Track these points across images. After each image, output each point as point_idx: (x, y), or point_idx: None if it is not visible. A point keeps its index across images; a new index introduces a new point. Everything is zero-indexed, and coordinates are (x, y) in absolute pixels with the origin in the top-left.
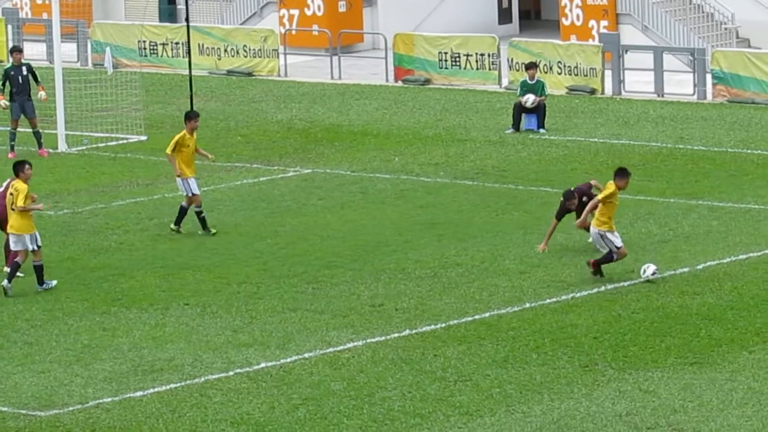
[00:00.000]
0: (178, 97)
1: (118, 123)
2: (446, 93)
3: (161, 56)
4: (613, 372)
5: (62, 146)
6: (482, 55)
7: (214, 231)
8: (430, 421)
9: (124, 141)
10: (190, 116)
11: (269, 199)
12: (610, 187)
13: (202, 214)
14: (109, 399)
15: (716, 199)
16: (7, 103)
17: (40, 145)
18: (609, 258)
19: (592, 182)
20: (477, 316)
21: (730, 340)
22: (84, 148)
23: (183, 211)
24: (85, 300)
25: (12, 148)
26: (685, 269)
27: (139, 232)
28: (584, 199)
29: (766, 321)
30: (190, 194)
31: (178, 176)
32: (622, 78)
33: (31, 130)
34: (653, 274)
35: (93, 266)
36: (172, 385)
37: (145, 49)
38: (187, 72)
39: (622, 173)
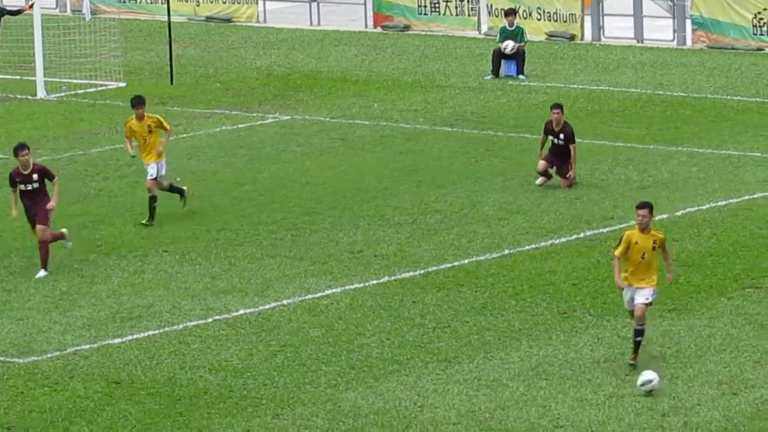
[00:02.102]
0: (157, 44)
1: (96, 70)
2: (425, 39)
3: (140, 2)
4: (592, 319)
5: (41, 93)
6: (461, 1)
7: (152, 223)
8: (408, 368)
9: (103, 88)
10: (132, 104)
11: (248, 145)
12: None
13: (154, 203)
14: (88, 346)
15: (696, 146)
16: None
17: None
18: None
19: None
20: (456, 263)
21: (708, 287)
22: (63, 94)
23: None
24: (62, 246)
25: None
26: (664, 216)
27: (118, 179)
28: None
29: (744, 267)
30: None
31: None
32: (601, 24)
33: None
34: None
35: (72, 213)
36: (151, 332)
37: None
38: (165, 18)
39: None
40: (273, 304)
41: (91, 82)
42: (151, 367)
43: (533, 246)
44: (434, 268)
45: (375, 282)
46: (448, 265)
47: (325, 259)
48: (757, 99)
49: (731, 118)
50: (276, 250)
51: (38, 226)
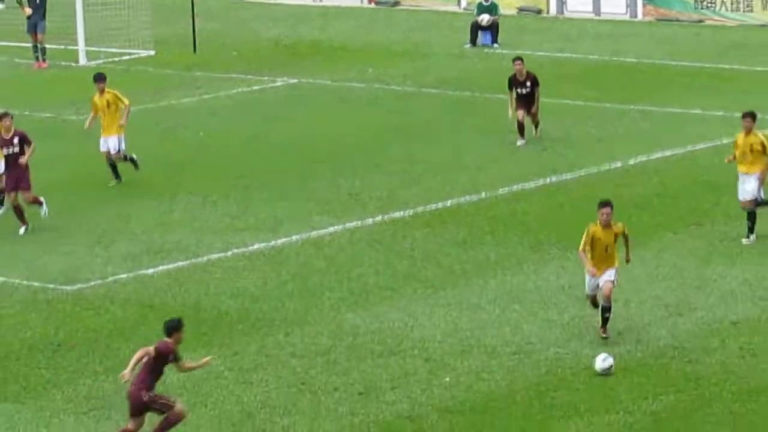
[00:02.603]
0: (182, 18)
1: (130, 40)
2: (413, 13)
3: None
4: (557, 251)
5: (83, 60)
6: None
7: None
8: (399, 294)
9: (136, 55)
10: (93, 79)
11: (261, 105)
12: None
13: (120, 163)
14: (125, 275)
15: (646, 105)
16: (30, 11)
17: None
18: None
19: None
20: (440, 204)
21: (657, 224)
22: (101, 61)
23: (113, 167)
24: (103, 191)
25: (36, 58)
26: (619, 164)
27: (149, 133)
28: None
29: (688, 208)
30: (105, 150)
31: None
32: (564, 0)
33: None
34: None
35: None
36: (179, 264)
37: None
38: None
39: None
40: (283, 240)
41: (125, 50)
42: (179, 294)
43: (507, 190)
44: (421, 209)
45: (371, 221)
46: (433, 206)
47: (328, 201)
48: (698, 64)
49: (676, 80)
50: (286, 194)
51: (22, 194)
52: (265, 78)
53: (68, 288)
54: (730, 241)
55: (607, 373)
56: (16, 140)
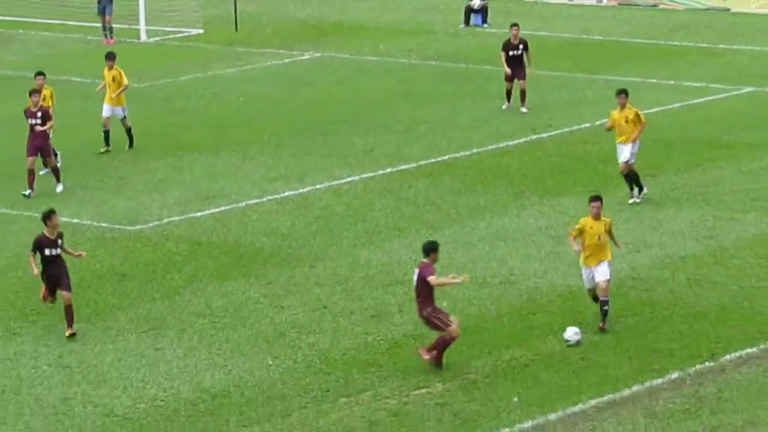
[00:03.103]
0: (226, 1)
1: (182, 20)
2: None
3: None
4: (536, 198)
5: (143, 37)
6: None
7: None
8: (405, 233)
9: (187, 33)
10: (105, 56)
11: (291, 75)
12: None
13: (106, 132)
14: (178, 218)
15: (610, 74)
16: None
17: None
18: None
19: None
20: (439, 158)
21: (619, 176)
22: (159, 38)
23: (106, 132)
24: (159, 147)
25: (105, 36)
26: (587, 125)
27: (198, 98)
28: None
29: (645, 161)
30: (107, 115)
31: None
32: None
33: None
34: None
35: (166, 123)
36: (222, 208)
37: None
38: None
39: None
40: (309, 188)
41: (178, 29)
42: (222, 233)
43: (494, 146)
44: (423, 162)
45: (381, 172)
46: (434, 160)
47: (346, 155)
48: (653, 41)
49: (634, 55)
50: (311, 149)
51: (44, 159)
52: (295, 52)
53: (130, 228)
54: (679, 190)
55: (573, 344)
56: (39, 114)
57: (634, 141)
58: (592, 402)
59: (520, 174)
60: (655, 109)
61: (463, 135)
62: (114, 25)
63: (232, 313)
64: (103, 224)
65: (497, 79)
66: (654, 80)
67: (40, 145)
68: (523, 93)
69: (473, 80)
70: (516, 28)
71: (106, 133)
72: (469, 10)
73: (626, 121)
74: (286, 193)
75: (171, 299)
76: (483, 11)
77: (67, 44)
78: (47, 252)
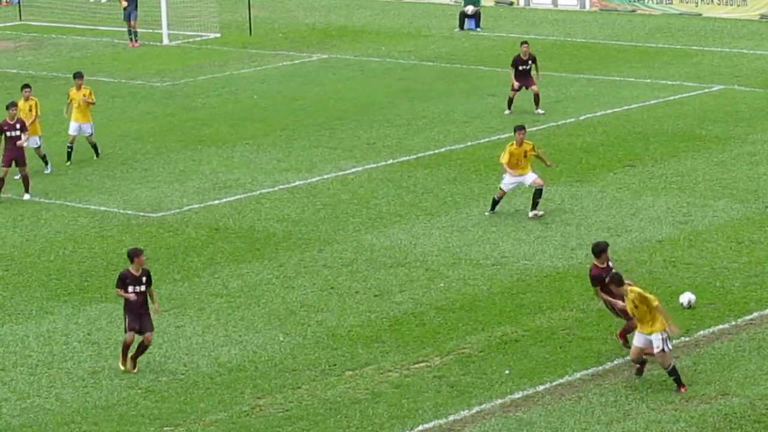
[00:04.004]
0: (241, 8)
1: (201, 25)
2: (415, 5)
3: None
4: (525, 187)
5: (165, 41)
6: None
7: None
8: (406, 219)
9: (206, 37)
10: (74, 76)
11: (300, 74)
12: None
13: (71, 149)
14: (197, 205)
15: (592, 74)
16: (126, 3)
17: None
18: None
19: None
20: (436, 150)
21: (601, 165)
22: (180, 42)
23: (70, 150)
24: (180, 140)
25: (130, 40)
26: (572, 119)
27: (215, 96)
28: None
29: (625, 153)
30: (74, 134)
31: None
32: None
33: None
34: (688, 302)
35: (186, 119)
36: (238, 196)
37: None
38: None
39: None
40: (317, 178)
41: (198, 33)
42: (238, 219)
43: (487, 139)
44: (422, 154)
45: (383, 163)
46: (431, 151)
47: (351, 148)
48: (632, 43)
49: (615, 56)
50: (319, 142)
51: (19, 168)
52: (304, 54)
53: (153, 215)
54: (656, 179)
55: (688, 306)
56: (18, 126)
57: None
58: (578, 374)
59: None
60: (633, 105)
61: (458, 129)
62: (138, 30)
63: (246, 293)
64: (129, 212)
65: (489, 78)
66: (632, 79)
67: (16, 156)
68: (536, 97)
69: (467, 79)
70: (526, 45)
71: (69, 150)
72: (464, 16)
73: (525, 156)
74: (297, 183)
75: (191, 281)
76: (476, 16)
77: (96, 47)
78: (131, 289)
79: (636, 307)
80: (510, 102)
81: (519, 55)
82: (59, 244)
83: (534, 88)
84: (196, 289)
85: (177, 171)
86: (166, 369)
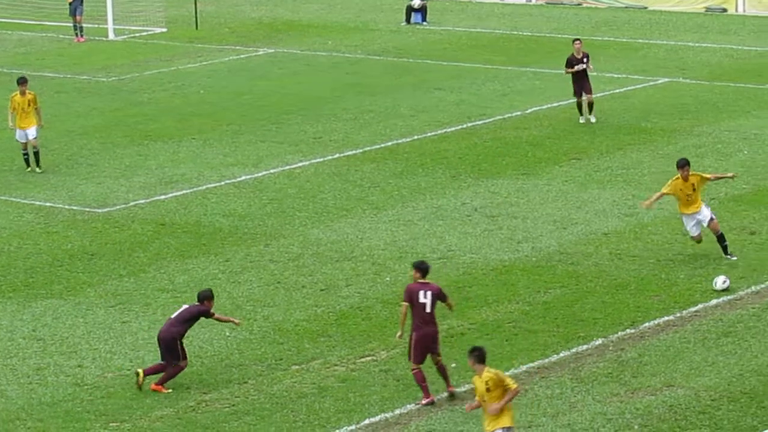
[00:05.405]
0: (187, 2)
1: (147, 19)
2: None
3: None
4: (472, 180)
5: (111, 36)
6: None
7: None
8: (352, 213)
9: (152, 32)
10: (17, 82)
11: (247, 69)
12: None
13: (26, 155)
14: (143, 201)
15: (538, 67)
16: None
17: (78, 35)
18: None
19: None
20: (383, 144)
21: (547, 159)
22: (126, 36)
23: (26, 156)
24: (126, 136)
25: (76, 35)
26: (518, 113)
27: (162, 91)
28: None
29: (571, 146)
30: (24, 141)
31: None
32: None
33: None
34: (724, 283)
35: (132, 114)
36: (184, 192)
37: None
38: None
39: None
40: (264, 173)
41: (144, 28)
42: (184, 214)
43: (433, 133)
44: (369, 148)
45: (330, 157)
46: (378, 146)
47: (298, 142)
48: (578, 36)
49: (560, 49)
50: (265, 137)
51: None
52: (250, 48)
53: (100, 210)
54: (601, 172)
55: (724, 289)
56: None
57: None
58: (524, 367)
59: (457, 158)
60: None
61: (405, 123)
62: (84, 25)
63: (193, 288)
64: (75, 207)
65: (436, 72)
66: None
67: None
68: (590, 105)
69: (414, 73)
70: (579, 42)
71: (34, 155)
72: (410, 9)
73: (693, 190)
74: (243, 178)
75: (137, 276)
76: (423, 10)
77: (41, 42)
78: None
79: (488, 390)
80: (579, 107)
81: (572, 54)
82: (4, 240)
83: (589, 97)
84: (142, 284)
85: (123, 166)
86: (112, 365)
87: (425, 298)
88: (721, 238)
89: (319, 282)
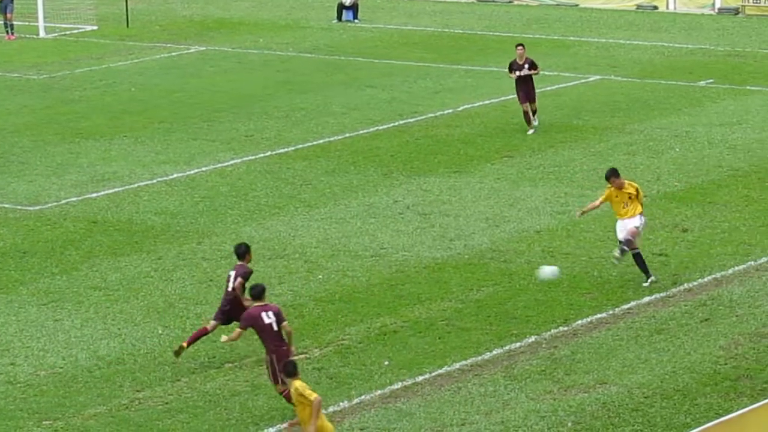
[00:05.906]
0: (118, 0)
1: (78, 17)
2: None
3: None
4: (404, 178)
5: (42, 33)
6: None
7: None
8: (284, 211)
9: (83, 29)
10: None
11: (178, 67)
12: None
13: None
14: (75, 199)
15: (470, 65)
16: None
17: (9, 32)
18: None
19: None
20: (315, 142)
21: (479, 156)
22: (57, 34)
23: None
24: (57, 133)
25: (7, 32)
26: (450, 110)
27: (93, 89)
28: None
29: (503, 143)
30: None
31: None
32: None
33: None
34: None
35: (64, 112)
36: (116, 189)
37: None
38: None
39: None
40: (196, 170)
41: (75, 25)
42: (116, 212)
43: (365, 131)
44: (301, 146)
45: (262, 155)
46: (310, 143)
47: (229, 140)
48: (509, 34)
49: (493, 47)
50: (197, 135)
51: None
52: (182, 46)
53: (31, 208)
54: (534, 169)
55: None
56: None
57: None
58: (457, 365)
59: (389, 155)
60: (511, 96)
61: (337, 120)
62: (15, 23)
63: (125, 286)
64: (6, 205)
65: (368, 69)
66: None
67: None
68: (534, 111)
69: (345, 71)
70: (521, 48)
71: None
72: (341, 7)
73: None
74: (175, 175)
75: (69, 274)
76: (354, 8)
77: None
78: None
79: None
80: (526, 116)
81: (514, 60)
82: None
83: (533, 105)
84: (74, 282)
85: (55, 164)
86: (44, 363)
87: (269, 318)
88: (638, 258)
89: (251, 280)
